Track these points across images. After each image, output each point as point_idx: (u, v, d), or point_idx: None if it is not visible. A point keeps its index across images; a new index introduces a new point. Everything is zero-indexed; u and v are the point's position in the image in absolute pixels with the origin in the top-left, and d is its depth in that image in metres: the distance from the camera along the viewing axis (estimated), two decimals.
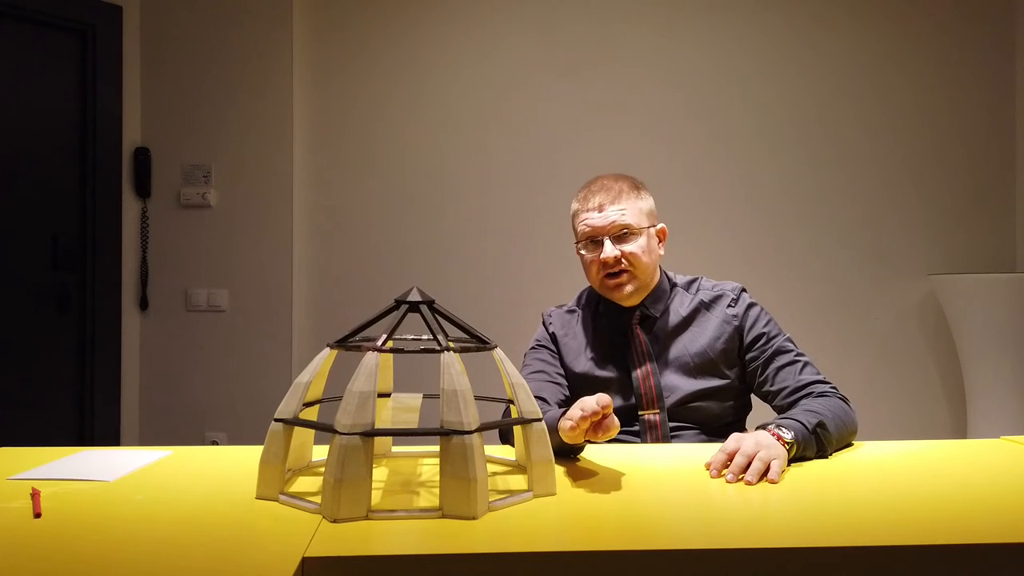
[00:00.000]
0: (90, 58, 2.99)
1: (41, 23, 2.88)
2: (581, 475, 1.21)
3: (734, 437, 1.23)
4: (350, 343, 1.10)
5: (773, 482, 1.14)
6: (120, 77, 3.07)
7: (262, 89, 3.14)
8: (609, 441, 1.46)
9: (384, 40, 3.28)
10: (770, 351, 1.57)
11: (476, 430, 1.00)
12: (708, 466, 1.22)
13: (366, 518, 0.97)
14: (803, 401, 1.46)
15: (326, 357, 1.14)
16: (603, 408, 1.11)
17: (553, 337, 1.70)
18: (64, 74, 2.96)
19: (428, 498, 1.09)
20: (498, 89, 3.28)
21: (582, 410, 1.14)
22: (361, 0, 3.28)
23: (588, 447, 1.37)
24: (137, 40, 3.13)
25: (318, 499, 1.01)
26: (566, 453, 1.33)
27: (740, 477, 1.15)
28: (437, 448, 1.28)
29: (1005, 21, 3.29)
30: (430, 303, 1.12)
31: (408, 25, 3.28)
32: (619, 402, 1.59)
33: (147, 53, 3.14)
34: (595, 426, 1.14)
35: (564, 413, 1.28)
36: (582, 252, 1.62)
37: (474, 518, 0.97)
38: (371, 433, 0.98)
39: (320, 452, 1.28)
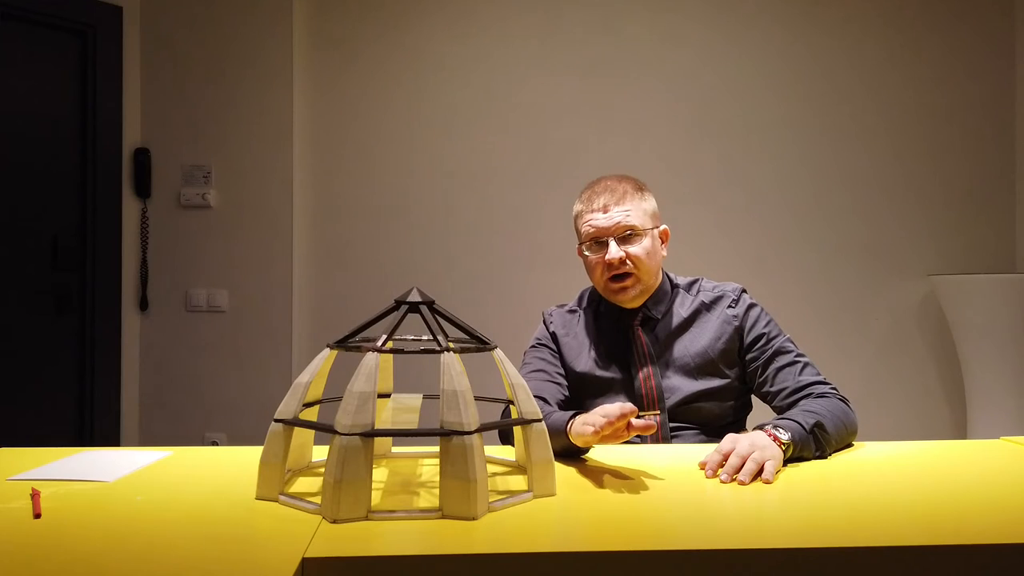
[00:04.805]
0: (90, 58, 2.99)
1: (41, 23, 2.88)
2: (581, 475, 1.21)
3: (729, 438, 1.23)
4: (350, 343, 1.10)
5: (767, 482, 1.15)
6: (120, 77, 3.07)
7: (262, 89, 3.14)
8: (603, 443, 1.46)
9: (384, 40, 3.28)
10: (770, 352, 1.57)
11: (476, 431, 1.00)
12: (703, 466, 1.22)
13: (366, 519, 0.97)
14: (802, 402, 1.46)
15: (326, 357, 1.14)
16: (627, 413, 1.14)
17: (554, 336, 1.70)
18: (64, 74, 2.96)
19: (428, 499, 1.09)
20: (499, 90, 3.28)
21: (604, 416, 1.15)
22: (362, 1, 3.28)
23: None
24: (137, 40, 3.13)
25: (318, 499, 1.01)
26: (571, 454, 1.33)
27: (734, 478, 1.16)
28: (437, 448, 1.28)
29: (1005, 22, 3.29)
30: (430, 303, 1.12)
31: (408, 25, 3.28)
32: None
33: (147, 53, 3.14)
34: (614, 432, 1.17)
35: (574, 415, 1.29)
36: (586, 253, 1.62)
37: (474, 519, 0.97)
38: (371, 434, 0.98)
39: (320, 452, 1.28)
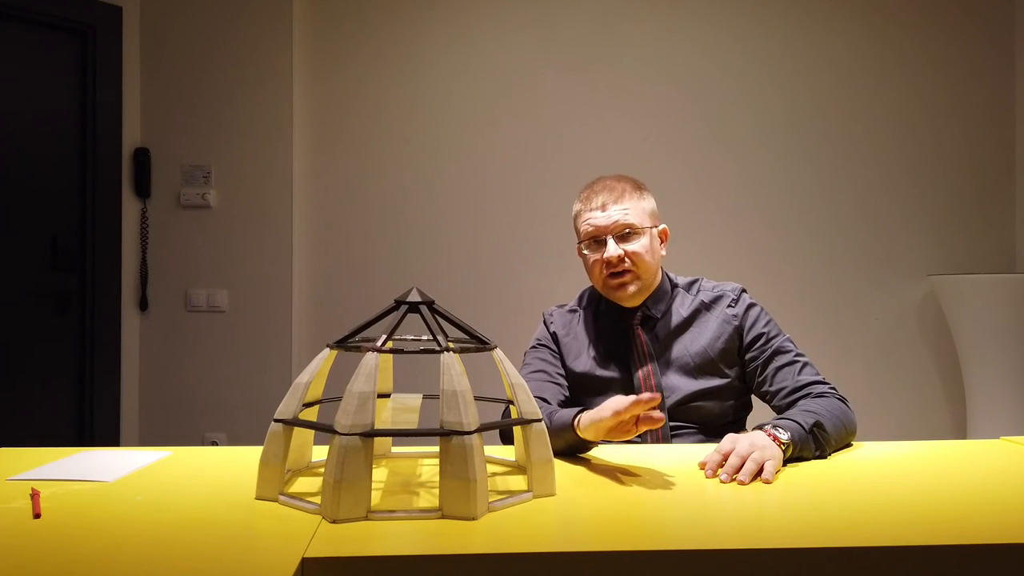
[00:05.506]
0: (90, 58, 2.99)
1: (41, 23, 2.88)
2: (581, 475, 1.21)
3: (729, 438, 1.23)
4: (350, 343, 1.10)
5: (767, 482, 1.15)
6: (120, 77, 3.07)
7: (262, 89, 3.14)
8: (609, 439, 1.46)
9: (384, 40, 3.28)
10: (769, 351, 1.57)
11: (476, 431, 1.00)
12: (703, 465, 1.22)
13: (366, 519, 0.97)
14: (801, 401, 1.47)
15: (326, 357, 1.14)
16: (635, 405, 1.16)
17: (554, 336, 1.70)
18: (64, 74, 2.96)
19: (428, 499, 1.09)
20: (498, 88, 3.28)
21: (615, 409, 1.18)
22: (361, 0, 3.28)
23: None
24: (137, 40, 3.13)
25: (318, 499, 1.01)
26: (574, 451, 1.33)
27: (734, 478, 1.16)
28: (437, 448, 1.28)
29: (1005, 21, 3.30)
30: (430, 303, 1.12)
31: (407, 25, 3.28)
32: None
33: (147, 53, 3.14)
34: (621, 427, 1.19)
35: (580, 411, 1.29)
36: (585, 252, 1.63)
37: (474, 519, 0.97)
38: (371, 434, 0.98)
39: (320, 452, 1.28)
